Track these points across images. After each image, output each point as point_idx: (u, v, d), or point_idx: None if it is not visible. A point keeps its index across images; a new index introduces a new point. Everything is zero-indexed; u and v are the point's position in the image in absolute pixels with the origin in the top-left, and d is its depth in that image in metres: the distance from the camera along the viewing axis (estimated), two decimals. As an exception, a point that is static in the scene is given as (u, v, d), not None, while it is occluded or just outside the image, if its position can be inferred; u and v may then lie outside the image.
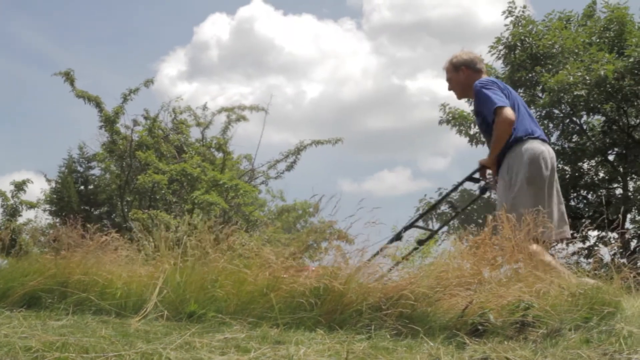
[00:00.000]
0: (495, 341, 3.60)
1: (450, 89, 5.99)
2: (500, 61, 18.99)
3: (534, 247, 4.84)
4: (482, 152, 19.97)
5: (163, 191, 14.55)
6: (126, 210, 15.08)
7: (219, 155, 16.22)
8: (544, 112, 18.19)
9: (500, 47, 18.80)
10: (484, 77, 5.65)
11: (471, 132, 18.79)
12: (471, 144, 18.83)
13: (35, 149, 33.07)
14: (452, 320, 4.07)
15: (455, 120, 18.69)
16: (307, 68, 41.55)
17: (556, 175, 5.47)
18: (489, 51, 18.94)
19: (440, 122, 18.90)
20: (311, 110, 36.40)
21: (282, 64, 38.10)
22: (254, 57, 37.35)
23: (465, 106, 19.28)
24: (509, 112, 5.20)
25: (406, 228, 6.12)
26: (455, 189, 7.50)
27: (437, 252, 8.51)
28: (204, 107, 16.30)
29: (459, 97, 6.05)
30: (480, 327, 3.86)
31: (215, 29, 39.08)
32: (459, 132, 18.76)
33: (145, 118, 15.59)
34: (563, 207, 5.47)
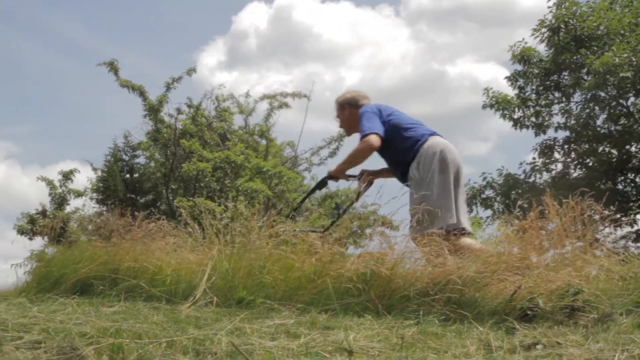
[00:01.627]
0: (545, 326, 3.58)
1: (340, 126, 6.32)
2: (544, 44, 18.75)
3: (466, 240, 5.17)
4: (527, 136, 19.78)
5: (207, 179, 14.63)
6: (171, 198, 15.20)
7: (262, 142, 16.26)
8: (590, 94, 17.95)
9: (544, 30, 18.55)
10: (369, 105, 5.90)
11: (515, 116, 18.60)
12: (515, 128, 18.65)
13: (80, 138, 33.54)
14: (500, 305, 4.06)
15: (498, 104, 18.50)
16: (345, 55, 41.42)
17: (462, 170, 5.61)
18: (532, 34, 18.73)
19: (484, 107, 18.73)
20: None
21: (320, 52, 38.05)
22: (292, 45, 37.35)
23: (509, 90, 19.11)
24: (373, 139, 5.49)
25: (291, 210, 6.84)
26: (306, 197, 8.32)
27: (482, 237, 8.46)
28: (247, 95, 16.34)
29: (348, 133, 6.25)
30: (529, 312, 3.84)
31: (254, 17, 39.12)
32: (503, 116, 18.57)
33: (189, 106, 15.65)
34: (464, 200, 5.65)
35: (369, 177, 6.00)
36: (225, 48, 36.09)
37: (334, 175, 5.93)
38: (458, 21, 41.98)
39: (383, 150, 5.71)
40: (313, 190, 6.81)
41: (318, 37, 39.15)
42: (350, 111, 5.97)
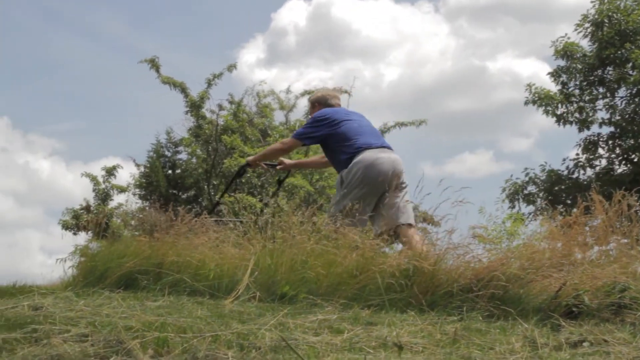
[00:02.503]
0: (591, 323, 3.53)
1: None
2: (587, 39, 18.51)
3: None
4: (569, 132, 19.55)
5: (248, 175, 14.71)
6: (213, 193, 15.30)
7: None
8: (635, 89, 17.68)
9: (587, 25, 18.30)
10: (326, 110, 6.25)
11: (558, 112, 18.39)
12: (558, 124, 18.44)
13: (122, 135, 33.82)
14: (545, 301, 4.01)
15: (541, 100, 18.29)
16: (384, 51, 41.14)
17: (400, 176, 5.87)
18: (575, 29, 18.49)
19: (526, 103, 18.54)
20: (389, 93, 36.07)
21: (359, 48, 37.84)
22: (331, 41, 37.21)
23: (551, 85, 18.89)
24: (291, 144, 6.35)
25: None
26: (229, 185, 9.26)
27: (525, 233, 8.38)
28: (288, 91, 16.40)
29: None
30: (575, 309, 3.80)
31: (293, 14, 39.12)
32: (546, 112, 18.37)
33: (230, 102, 15.74)
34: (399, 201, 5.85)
35: (286, 167, 6.70)
36: (265, 45, 36.14)
37: (251, 164, 6.62)
38: (498, 17, 41.55)
39: (328, 154, 6.24)
40: (234, 179, 7.70)
41: (357, 33, 39.02)
42: (318, 109, 6.30)
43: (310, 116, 6.48)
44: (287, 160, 6.72)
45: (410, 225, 5.77)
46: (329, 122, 6.02)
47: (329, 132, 5.99)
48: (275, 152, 6.60)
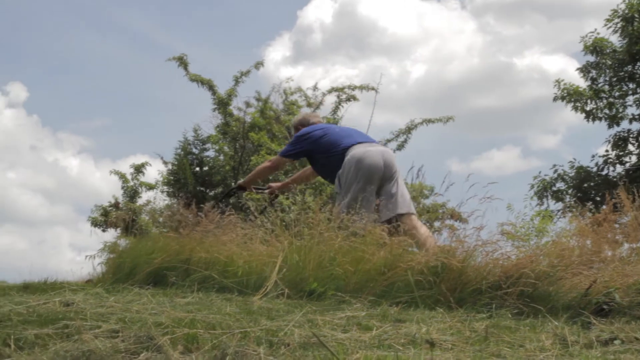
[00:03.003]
0: (622, 321, 3.51)
1: None
2: (617, 34, 18.31)
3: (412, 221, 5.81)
4: (599, 128, 19.37)
5: (276, 172, 14.74)
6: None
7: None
8: (666, 84, 17.50)
9: (617, 20, 18.11)
10: (306, 128, 6.56)
11: (587, 108, 18.22)
12: (587, 120, 18.27)
13: (150, 132, 34.00)
14: (575, 299, 3.99)
15: (570, 96, 18.14)
16: (410, 48, 40.97)
17: (393, 166, 6.09)
18: (605, 24, 18.30)
19: (555, 99, 18.39)
20: (416, 90, 35.91)
21: (385, 45, 37.65)
22: (357, 38, 37.06)
23: (580, 81, 18.72)
24: (278, 161, 6.65)
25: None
26: (223, 197, 9.01)
27: (553, 230, 8.33)
28: (314, 88, 16.34)
29: None
30: (605, 307, 3.77)
31: (319, 12, 39.01)
32: (575, 108, 18.21)
33: (257, 100, 15.76)
34: (396, 190, 6.07)
35: (273, 190, 7.02)
36: (291, 43, 36.13)
37: (242, 186, 6.89)
38: (525, 13, 41.16)
39: (316, 167, 6.53)
40: (222, 198, 8.05)
41: (383, 30, 38.83)
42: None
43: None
44: (274, 184, 7.14)
45: (410, 214, 5.97)
46: (310, 136, 6.34)
47: (313, 145, 6.30)
48: (264, 170, 6.83)
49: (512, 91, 38.33)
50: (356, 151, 6.03)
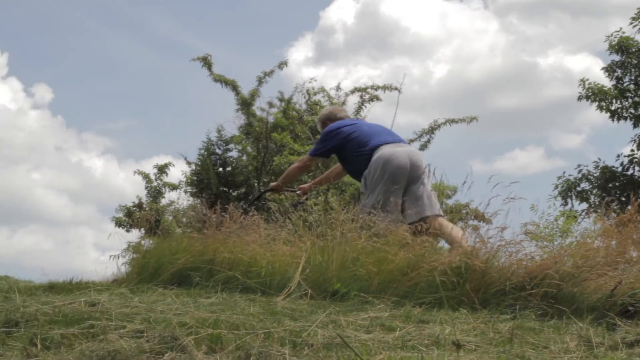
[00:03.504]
0: (648, 323, 3.48)
1: None
2: (643, 33, 18.14)
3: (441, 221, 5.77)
4: (624, 127, 19.20)
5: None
6: (263, 190, 15.36)
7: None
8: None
9: (643, 19, 17.96)
10: (334, 123, 6.52)
11: (612, 108, 18.07)
12: (612, 120, 18.11)
13: (173, 133, 34.13)
14: (600, 300, 3.96)
15: (595, 95, 18.00)
16: (433, 48, 40.79)
17: (420, 167, 6.02)
18: (630, 23, 18.13)
19: (579, 98, 18.24)
20: (438, 90, 35.75)
21: (407, 45, 37.50)
22: (379, 38, 36.95)
23: (606, 81, 18.56)
24: (308, 161, 6.67)
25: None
26: (255, 200, 8.95)
27: (577, 231, 8.27)
28: (337, 88, 16.33)
29: None
30: (631, 308, 3.75)
31: (341, 12, 38.94)
32: (599, 107, 18.06)
33: (280, 100, 15.79)
34: (422, 192, 6.01)
35: (305, 191, 7.00)
36: (313, 44, 36.11)
37: (274, 188, 6.89)
38: (549, 12, 40.88)
39: (345, 165, 6.51)
40: (254, 200, 8.01)
41: (405, 30, 38.69)
42: (329, 125, 6.55)
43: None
44: (303, 186, 7.11)
45: (437, 216, 5.92)
46: (339, 132, 6.28)
47: (342, 142, 6.24)
48: (295, 172, 6.84)
49: (535, 91, 38.08)
50: (384, 152, 5.99)
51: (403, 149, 6.09)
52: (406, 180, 5.91)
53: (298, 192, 7.00)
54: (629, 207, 4.99)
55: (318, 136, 15.15)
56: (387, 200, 5.68)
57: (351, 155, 6.22)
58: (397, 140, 6.26)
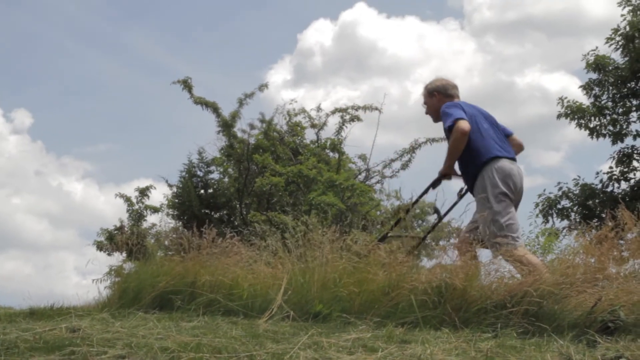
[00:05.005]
0: (628, 339, 3.51)
1: (426, 113, 6.17)
2: (619, 52, 18.34)
3: (520, 250, 5.10)
4: (602, 144, 19.34)
5: (280, 193, 14.77)
6: (245, 212, 15.36)
7: (334, 156, 16.30)
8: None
9: (618, 38, 18.15)
10: (452, 104, 5.77)
11: (591, 125, 18.21)
12: (591, 137, 18.25)
13: (154, 156, 34.16)
14: (580, 317, 3.99)
15: (573, 113, 18.14)
16: (411, 69, 41.07)
17: (522, 191, 5.58)
18: (606, 42, 18.31)
19: (559, 117, 18.37)
20: (417, 110, 35.93)
21: (385, 66, 37.76)
22: (357, 60, 37.20)
23: (584, 99, 18.73)
24: (464, 124, 5.40)
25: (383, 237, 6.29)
26: (419, 198, 7.82)
27: (559, 248, 8.32)
28: (318, 109, 16.40)
29: (435, 120, 6.09)
30: (610, 325, 3.77)
31: (318, 35, 39.18)
32: (579, 125, 18.20)
33: (261, 121, 15.84)
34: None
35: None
36: (292, 66, 36.29)
37: (445, 174, 5.83)
38: (525, 32, 41.31)
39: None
40: (426, 190, 6.41)
41: (383, 52, 38.95)
42: (439, 98, 5.90)
43: (424, 104, 6.11)
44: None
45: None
46: (459, 108, 5.62)
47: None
48: (460, 142, 5.51)
49: (513, 109, 38.39)
50: (503, 165, 5.45)
51: (517, 167, 5.62)
52: (516, 200, 5.52)
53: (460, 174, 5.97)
54: (608, 223, 5.03)
55: (300, 157, 15.22)
56: (511, 216, 5.34)
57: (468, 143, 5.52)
58: (513, 156, 5.71)
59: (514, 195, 5.43)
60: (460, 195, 6.08)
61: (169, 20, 42.33)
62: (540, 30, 40.67)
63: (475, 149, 5.49)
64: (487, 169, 5.44)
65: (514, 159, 5.62)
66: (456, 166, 5.71)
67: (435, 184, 6.06)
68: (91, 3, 41.97)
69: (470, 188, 5.63)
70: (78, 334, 3.57)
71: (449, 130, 5.50)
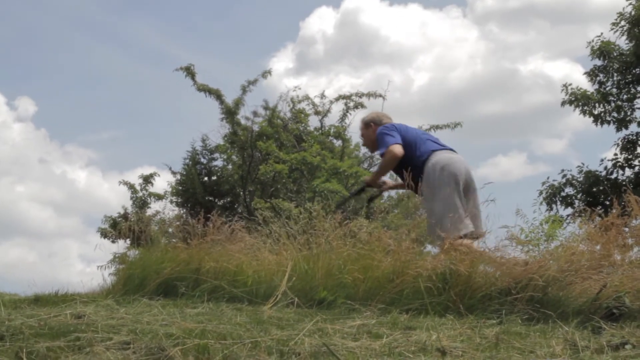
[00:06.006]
0: (633, 325, 3.50)
1: (363, 144, 6.78)
2: (624, 37, 18.26)
3: (464, 241, 5.11)
4: (605, 132, 19.30)
5: (284, 180, 14.77)
6: (248, 200, 15.37)
7: (338, 143, 16.29)
8: (674, 87, 17.41)
9: (623, 23, 18.07)
10: (389, 123, 6.27)
11: (595, 112, 18.15)
12: (596, 124, 18.19)
13: (158, 143, 34.16)
14: (585, 304, 3.98)
15: (578, 100, 18.07)
16: (413, 56, 40.97)
17: (473, 181, 5.86)
18: (611, 28, 18.24)
19: (563, 103, 18.31)
20: (420, 97, 35.88)
21: (388, 54, 37.64)
22: (359, 48, 37.10)
23: (588, 86, 18.66)
24: (396, 149, 5.86)
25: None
26: (345, 201, 8.58)
27: (563, 235, 8.30)
28: (322, 96, 16.37)
29: (372, 150, 6.69)
30: (615, 311, 3.76)
31: (321, 22, 39.04)
32: (583, 112, 18.15)
33: (265, 109, 15.81)
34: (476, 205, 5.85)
35: (390, 187, 6.65)
36: (294, 54, 36.19)
37: (369, 184, 6.44)
38: (528, 19, 41.13)
39: (398, 165, 6.04)
40: (349, 198, 7.42)
41: (385, 39, 38.81)
42: (375, 129, 6.29)
43: (361, 136, 6.54)
44: (389, 181, 6.66)
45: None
46: (399, 131, 6.03)
47: (403, 137, 5.97)
48: (390, 163, 6.01)
49: (516, 97, 38.32)
50: (439, 157, 5.81)
51: (457, 156, 5.95)
52: (463, 186, 5.72)
53: (385, 186, 6.58)
54: (613, 210, 5.01)
55: (304, 144, 15.18)
56: (450, 205, 5.51)
57: (407, 156, 5.90)
58: (448, 147, 6.08)
59: (460, 183, 5.65)
60: (368, 201, 7.03)
61: (171, 8, 42.24)
62: (543, 17, 40.54)
63: (418, 155, 5.88)
64: (428, 164, 5.77)
65: (453, 151, 5.98)
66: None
67: (358, 192, 6.90)
68: (93, -9, 41.88)
69: (415, 189, 5.85)
70: (83, 320, 3.58)
71: (381, 156, 6.00)
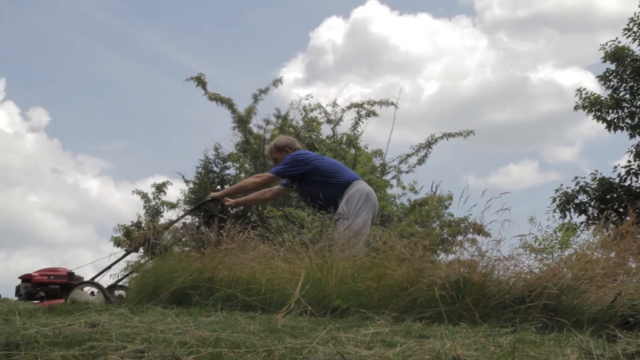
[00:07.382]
0: (649, 334, 3.48)
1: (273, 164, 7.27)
2: (637, 42, 18.20)
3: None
4: (617, 139, 19.23)
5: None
6: (261, 208, 15.36)
7: (351, 151, 16.28)
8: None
9: (636, 29, 18.02)
10: (302, 150, 7.03)
11: (608, 118, 18.09)
12: (609, 130, 18.13)
13: (170, 152, 34.24)
14: (600, 312, 3.96)
15: (591, 105, 18.01)
16: (423, 65, 40.86)
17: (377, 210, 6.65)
18: (624, 33, 18.20)
19: (576, 108, 18.26)
20: (430, 106, 35.74)
21: (397, 63, 37.54)
22: (369, 57, 36.99)
23: (601, 91, 18.60)
24: (268, 179, 6.76)
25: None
26: (189, 212, 9.19)
27: (577, 243, 8.27)
28: (334, 104, 16.39)
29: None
30: (631, 319, 3.75)
31: (331, 33, 39.01)
32: (596, 117, 18.09)
33: (277, 117, 15.83)
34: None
35: (232, 204, 7.04)
36: (304, 65, 36.19)
37: (215, 198, 6.92)
38: (538, 28, 40.99)
39: (306, 187, 6.62)
40: (192, 210, 8.22)
41: (395, 49, 38.68)
42: (290, 153, 6.81)
43: (274, 160, 6.97)
44: (231, 200, 6.98)
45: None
46: (310, 159, 6.66)
47: (312, 167, 6.55)
48: (252, 185, 6.84)
49: (527, 105, 38.14)
50: (363, 186, 6.50)
51: (372, 190, 6.63)
52: (372, 217, 6.45)
53: (227, 203, 6.91)
54: (627, 218, 4.99)
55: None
56: (366, 226, 6.15)
57: (321, 179, 6.50)
58: (360, 178, 6.80)
59: (373, 214, 6.45)
60: (209, 217, 7.09)
61: (183, 17, 42.30)
62: (552, 26, 40.38)
63: (343, 179, 6.52)
64: (351, 189, 6.39)
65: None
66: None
67: (200, 206, 7.32)
68: (103, 1, 42.06)
69: (324, 207, 6.36)
70: (97, 329, 3.58)
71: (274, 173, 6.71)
